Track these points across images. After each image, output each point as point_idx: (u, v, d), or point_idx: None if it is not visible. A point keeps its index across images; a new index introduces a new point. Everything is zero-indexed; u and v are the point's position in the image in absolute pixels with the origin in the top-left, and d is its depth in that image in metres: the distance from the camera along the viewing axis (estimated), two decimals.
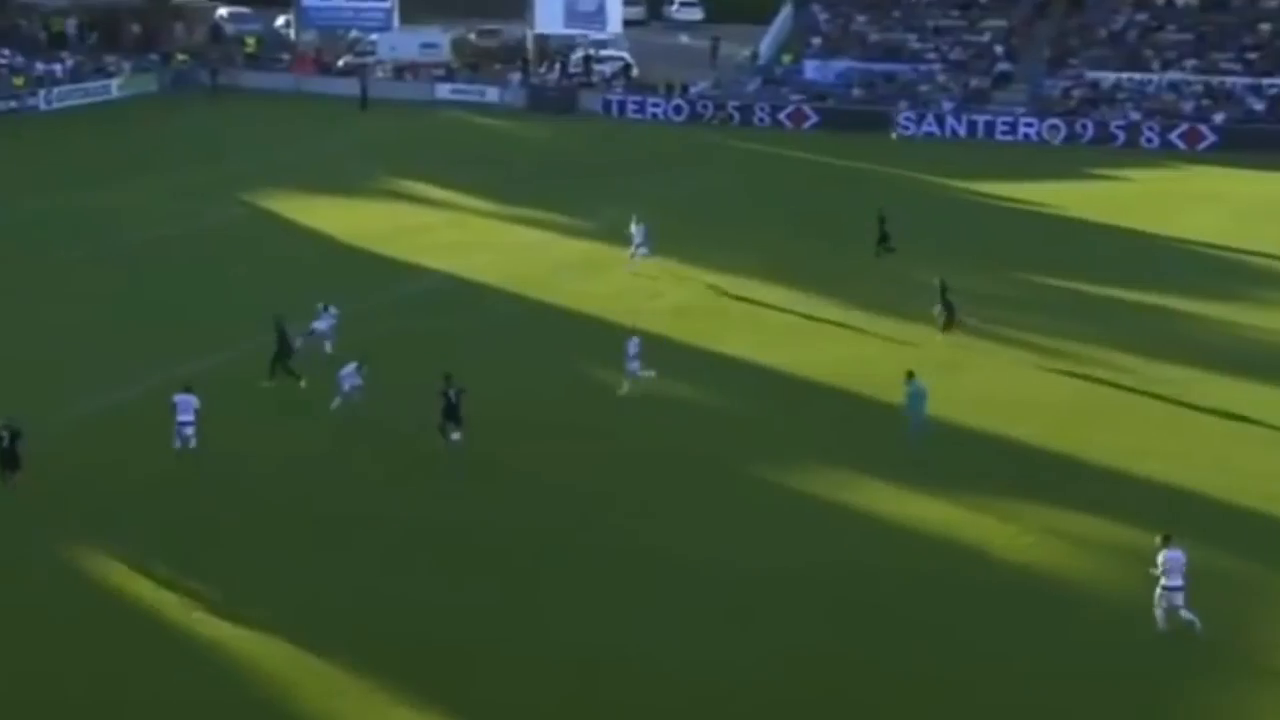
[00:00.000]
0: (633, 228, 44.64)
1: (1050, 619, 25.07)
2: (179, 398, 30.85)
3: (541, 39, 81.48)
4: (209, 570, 26.04)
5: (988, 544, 27.47)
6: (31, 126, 67.91)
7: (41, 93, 72.17)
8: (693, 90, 73.66)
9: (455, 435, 30.67)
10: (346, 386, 32.81)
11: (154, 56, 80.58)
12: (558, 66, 78.62)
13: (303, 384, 33.95)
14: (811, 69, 74.05)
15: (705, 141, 66.75)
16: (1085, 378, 36.05)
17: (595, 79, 77.43)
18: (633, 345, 34.44)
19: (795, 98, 71.53)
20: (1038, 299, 42.76)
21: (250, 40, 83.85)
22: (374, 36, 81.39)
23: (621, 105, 73.36)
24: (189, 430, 30.60)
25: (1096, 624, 24.92)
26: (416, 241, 47.55)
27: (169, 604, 24.94)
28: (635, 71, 78.11)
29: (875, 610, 25.25)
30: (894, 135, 67.47)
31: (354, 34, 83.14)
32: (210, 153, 62.52)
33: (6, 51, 74.87)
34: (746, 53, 78.64)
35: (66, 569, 26.10)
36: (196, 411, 30.74)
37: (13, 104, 70.77)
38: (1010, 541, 27.56)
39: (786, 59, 75.52)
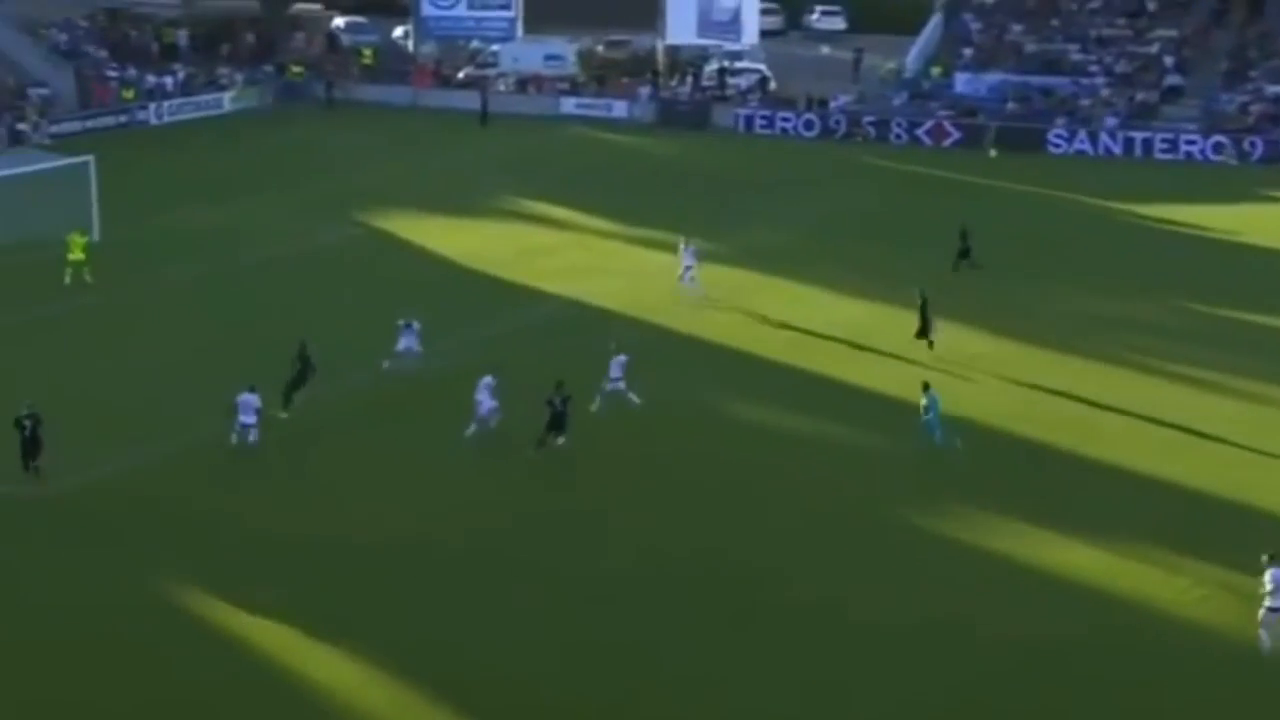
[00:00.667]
0: (681, 249, 45.22)
1: (1222, 680, 25.01)
2: (241, 398, 32.96)
3: (673, 50, 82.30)
4: (262, 582, 27.11)
5: (1154, 598, 27.35)
6: (142, 141, 69.98)
7: (152, 106, 74.40)
8: (834, 105, 73.89)
9: (560, 440, 32.76)
10: (484, 410, 33.61)
11: (268, 68, 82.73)
12: (690, 79, 79.45)
13: (284, 415, 34.70)
14: (962, 82, 73.96)
15: (839, 159, 66.93)
16: (1250, 415, 35.80)
17: (730, 92, 78.10)
18: (616, 366, 35.28)
19: (942, 113, 71.59)
20: (1199, 328, 42.50)
21: (367, 51, 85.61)
22: (496, 48, 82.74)
23: (750, 120, 73.92)
24: (248, 426, 32.80)
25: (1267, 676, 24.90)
26: (538, 265, 48.44)
27: (231, 626, 26.07)
28: (772, 85, 78.65)
29: (1041, 668, 25.28)
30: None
31: (475, 45, 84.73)
32: (325, 169, 63.97)
33: (116, 64, 77.33)
34: (891, 65, 78.82)
35: (144, 598, 27.29)
36: (258, 411, 32.91)
37: (123, 118, 73.03)
38: (1179, 596, 27.45)
39: (935, 72, 75.51)
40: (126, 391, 37.22)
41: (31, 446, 31.36)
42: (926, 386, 34.31)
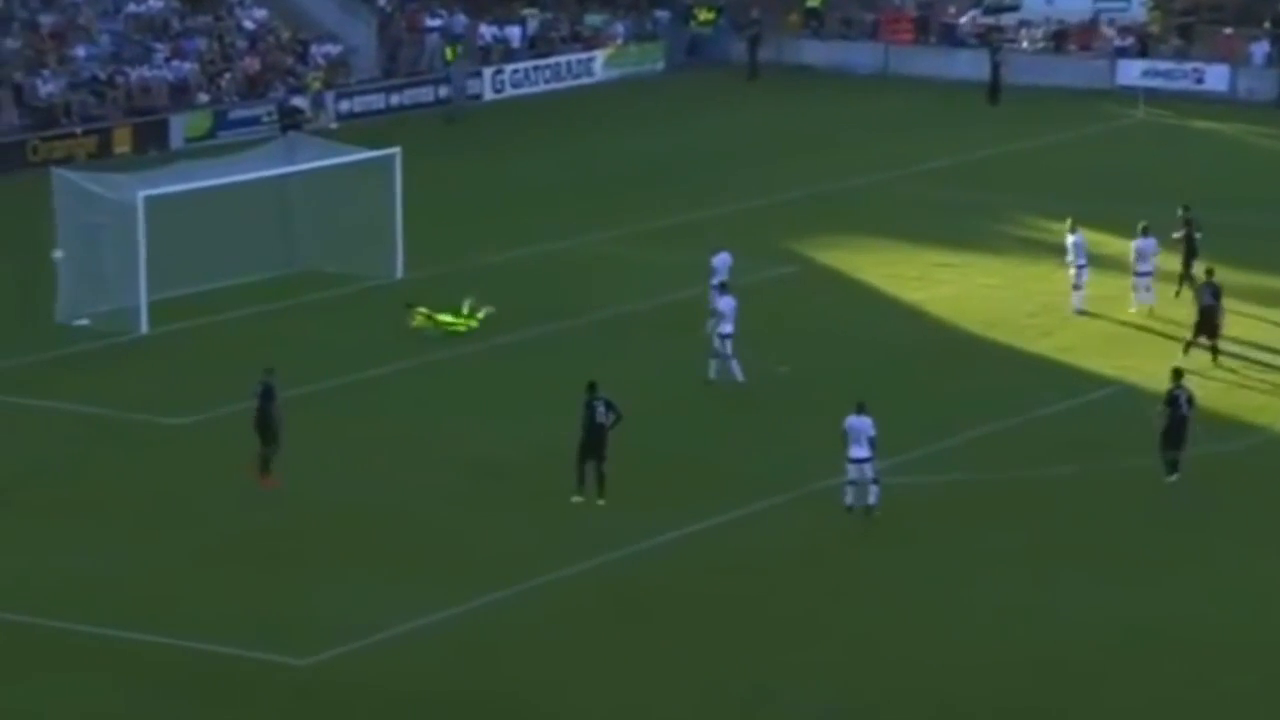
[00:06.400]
0: (1070, 239, 49.02)
1: None
2: (850, 421, 37.48)
3: None
4: None
5: None
6: (467, 127, 72.41)
7: (487, 73, 77.28)
8: None
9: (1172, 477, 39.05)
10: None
11: (662, 15, 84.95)
12: None
13: (577, 499, 36.93)
14: None
15: None
16: None
17: None
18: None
19: None
20: None
21: None
22: None
23: None
24: (861, 463, 37.25)
25: None
26: (1075, 330, 48.44)
27: None
28: None
29: None
30: None
31: None
32: (745, 172, 65.34)
33: (438, 9, 79.79)
34: None
35: None
36: (872, 441, 37.31)
37: (443, 90, 75.91)
38: None
39: None
40: (429, 510, 38.84)
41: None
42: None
